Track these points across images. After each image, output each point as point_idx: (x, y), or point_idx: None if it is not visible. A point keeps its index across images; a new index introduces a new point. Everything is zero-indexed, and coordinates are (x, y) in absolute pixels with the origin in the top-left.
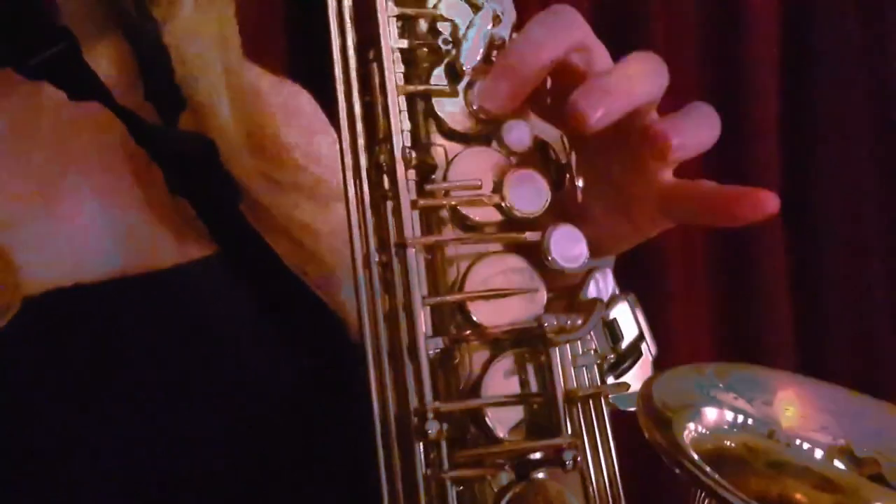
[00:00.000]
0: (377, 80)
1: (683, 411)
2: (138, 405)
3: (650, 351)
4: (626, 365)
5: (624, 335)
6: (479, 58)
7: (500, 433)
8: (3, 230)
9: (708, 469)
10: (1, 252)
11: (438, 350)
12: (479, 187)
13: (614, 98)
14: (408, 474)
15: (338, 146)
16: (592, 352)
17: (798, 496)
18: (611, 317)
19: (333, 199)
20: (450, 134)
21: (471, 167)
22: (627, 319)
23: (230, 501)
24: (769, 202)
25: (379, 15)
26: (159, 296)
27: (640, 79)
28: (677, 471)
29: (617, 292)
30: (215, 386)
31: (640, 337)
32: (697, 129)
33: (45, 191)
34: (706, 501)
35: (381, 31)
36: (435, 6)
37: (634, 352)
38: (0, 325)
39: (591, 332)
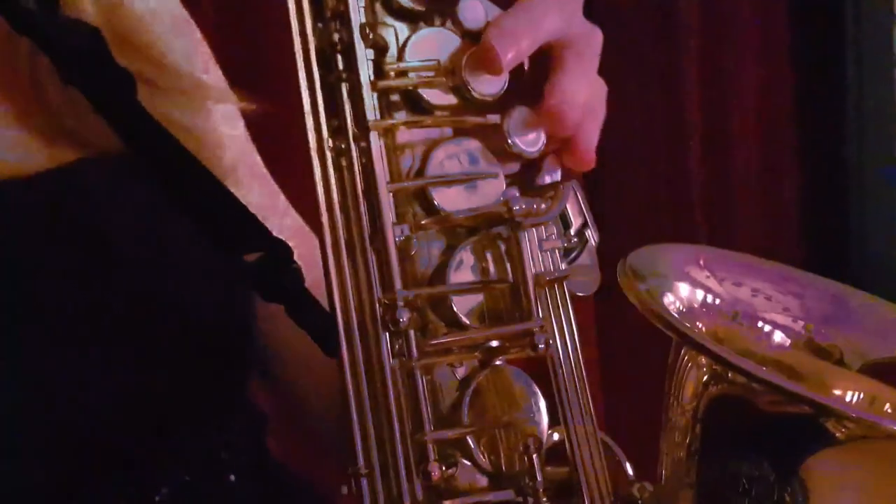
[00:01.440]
0: None
1: (660, 280)
2: (32, 339)
3: (594, 237)
4: (575, 252)
5: (572, 222)
6: None
7: (467, 320)
8: None
9: (685, 323)
10: None
11: (403, 238)
12: (439, 68)
13: (522, 40)
14: (372, 366)
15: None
16: (554, 236)
17: None
18: None
19: (213, 101)
20: (400, 13)
21: (426, 48)
22: (573, 206)
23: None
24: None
25: None
26: (31, 200)
27: (545, 17)
28: (662, 328)
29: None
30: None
31: (585, 223)
32: (532, 31)
33: None
34: (689, 366)
35: None
36: None
37: (581, 238)
38: None
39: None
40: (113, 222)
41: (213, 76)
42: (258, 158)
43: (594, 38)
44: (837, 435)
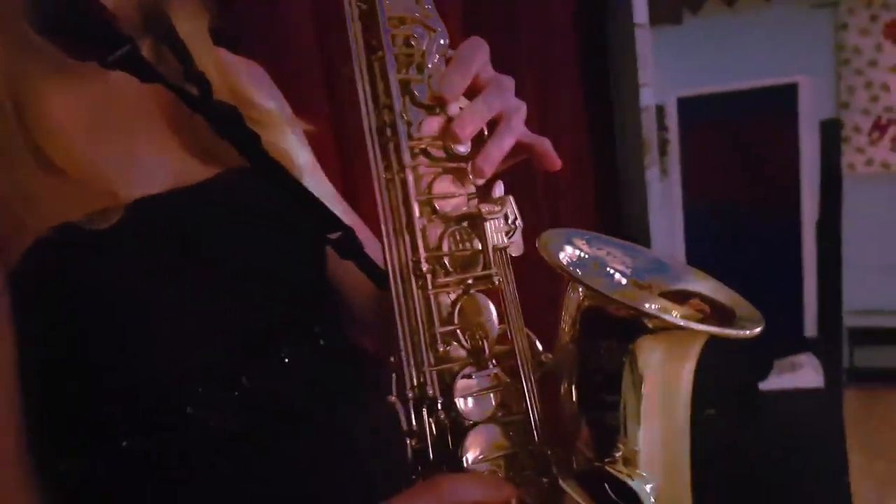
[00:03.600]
0: (379, 74)
1: (557, 246)
2: (207, 277)
3: (520, 225)
4: (512, 233)
5: (509, 217)
6: (435, 60)
7: (456, 271)
8: (103, 162)
9: (571, 268)
10: (105, 175)
11: (423, 225)
12: (437, 137)
13: (474, 124)
14: (408, 294)
15: (279, 93)
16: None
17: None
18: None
19: (289, 127)
20: (419, 105)
21: (432, 125)
22: (511, 209)
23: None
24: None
25: (382, 33)
26: (203, 198)
27: (491, 106)
28: (558, 271)
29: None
30: (251, 258)
31: (516, 218)
32: (480, 118)
33: (124, 137)
34: (572, 292)
35: (383, 42)
36: (408, 29)
37: (514, 226)
38: (107, 224)
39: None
40: (244, 208)
41: (287, 112)
42: (318, 166)
43: (521, 110)
44: (650, 326)
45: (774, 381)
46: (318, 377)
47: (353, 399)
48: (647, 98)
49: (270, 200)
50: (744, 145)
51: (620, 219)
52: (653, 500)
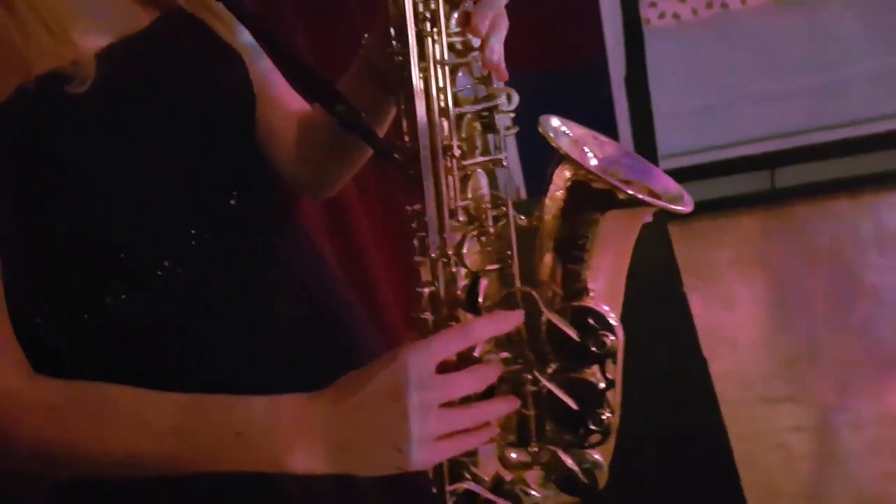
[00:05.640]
0: None
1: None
2: (165, 128)
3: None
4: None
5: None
6: None
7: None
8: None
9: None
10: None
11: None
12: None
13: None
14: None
15: None
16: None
17: None
18: None
19: None
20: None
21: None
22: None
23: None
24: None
25: None
26: (154, 46)
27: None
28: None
29: None
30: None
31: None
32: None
33: None
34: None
35: None
36: None
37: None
38: (84, 88)
39: None
40: (190, 57)
41: None
42: None
43: None
44: (621, 197)
45: None
46: (263, 227)
47: (294, 246)
48: None
49: (211, 48)
50: (546, 13)
51: None
52: (615, 324)
